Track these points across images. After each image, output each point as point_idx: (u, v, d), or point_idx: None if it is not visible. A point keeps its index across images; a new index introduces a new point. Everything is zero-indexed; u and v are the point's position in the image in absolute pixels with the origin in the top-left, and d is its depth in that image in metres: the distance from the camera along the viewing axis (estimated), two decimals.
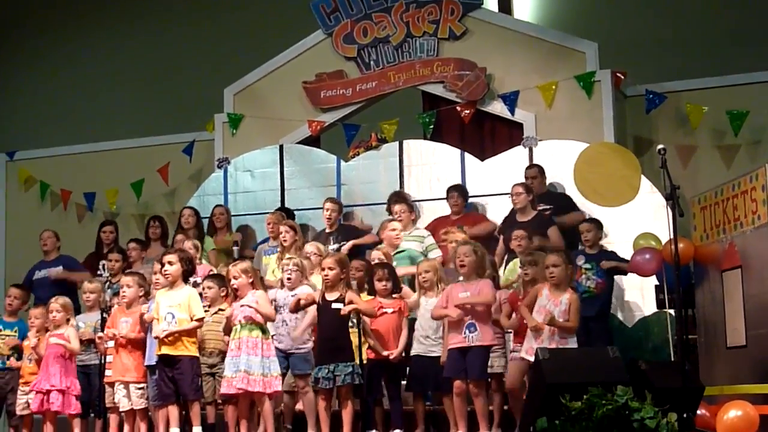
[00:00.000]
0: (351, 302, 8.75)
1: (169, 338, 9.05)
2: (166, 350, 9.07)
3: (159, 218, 12.91)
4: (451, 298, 8.92)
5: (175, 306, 9.13)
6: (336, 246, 11.50)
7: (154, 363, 9.27)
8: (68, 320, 10.14)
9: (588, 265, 10.37)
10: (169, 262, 9.29)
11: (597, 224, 10.79)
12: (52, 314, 10.08)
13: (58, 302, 10.17)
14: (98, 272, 12.34)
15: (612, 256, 10.71)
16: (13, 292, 11.28)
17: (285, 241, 10.99)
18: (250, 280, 9.08)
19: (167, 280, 9.33)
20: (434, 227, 11.80)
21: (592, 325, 9.86)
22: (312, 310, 9.10)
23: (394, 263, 10.54)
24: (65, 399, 9.85)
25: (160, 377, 9.17)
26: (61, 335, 9.97)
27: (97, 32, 16.90)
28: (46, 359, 9.93)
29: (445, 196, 12.12)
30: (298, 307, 9.06)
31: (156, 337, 9.21)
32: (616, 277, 10.80)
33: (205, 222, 12.75)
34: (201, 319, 9.23)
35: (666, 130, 12.67)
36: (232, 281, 9.11)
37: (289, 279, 9.50)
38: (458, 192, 11.95)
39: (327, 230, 11.98)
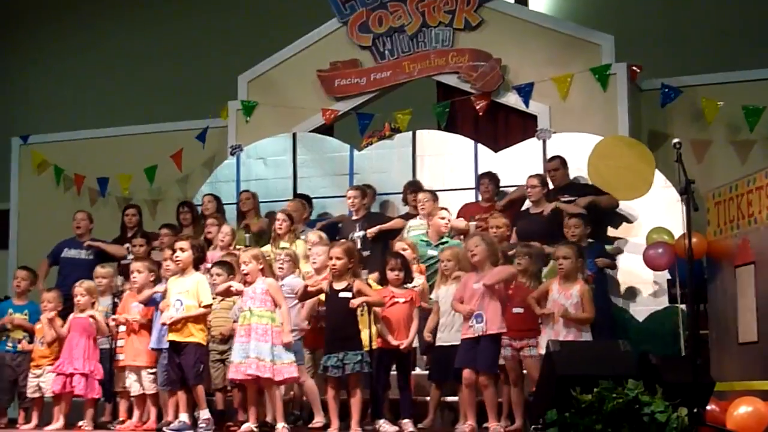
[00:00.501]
0: (360, 292, 8.73)
1: (177, 325, 9.06)
2: (173, 336, 9.08)
3: (189, 203, 12.88)
4: (467, 288, 8.92)
5: (184, 293, 9.14)
6: (361, 233, 11.47)
7: (160, 347, 9.31)
8: (93, 304, 10.17)
9: None
10: (181, 249, 9.30)
11: (584, 219, 10.67)
12: (77, 298, 10.13)
13: (82, 286, 10.21)
14: (126, 255, 12.33)
15: (600, 249, 10.67)
16: (20, 274, 11.28)
17: (280, 229, 10.97)
18: (261, 267, 9.07)
19: (178, 267, 9.33)
20: (464, 214, 11.79)
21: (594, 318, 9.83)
22: (310, 302, 9.11)
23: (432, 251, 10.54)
24: (88, 383, 9.89)
25: (168, 363, 9.20)
26: (86, 319, 9.99)
27: (113, 18, 16.93)
28: (69, 342, 9.96)
29: (457, 186, 12.11)
30: (306, 296, 9.06)
31: (163, 324, 9.24)
32: (629, 269, 10.77)
33: (229, 208, 12.76)
34: (209, 306, 9.24)
35: (681, 125, 12.61)
36: (242, 267, 9.08)
37: (280, 269, 9.54)
38: (489, 179, 11.89)
39: (354, 217, 11.95)
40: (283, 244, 10.59)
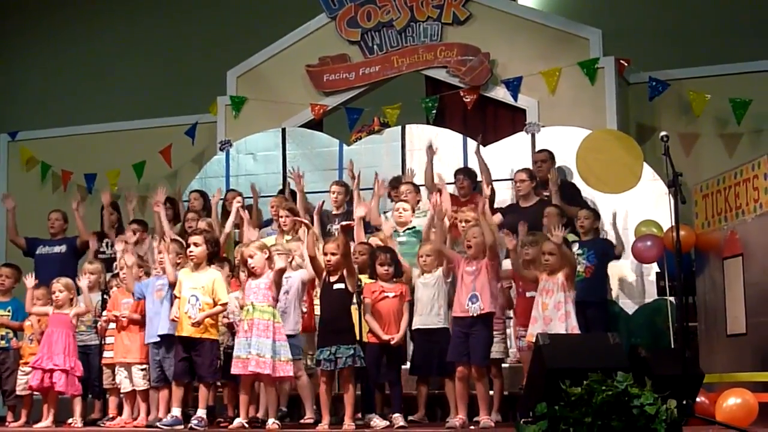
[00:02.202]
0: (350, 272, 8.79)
1: (198, 324, 9.04)
2: (188, 332, 9.06)
3: (171, 199, 12.83)
4: (461, 269, 9.03)
5: (199, 288, 9.13)
6: (338, 226, 11.50)
7: (155, 341, 9.30)
8: (71, 300, 10.15)
9: (580, 251, 10.34)
10: (195, 243, 9.25)
11: (595, 214, 10.77)
12: (55, 294, 10.09)
13: (60, 282, 10.18)
14: (101, 250, 12.33)
15: (604, 243, 10.70)
16: (4, 272, 11.26)
17: (285, 225, 10.96)
18: (266, 255, 9.04)
19: (192, 261, 9.29)
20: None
21: (590, 312, 9.86)
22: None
23: (403, 239, 10.57)
24: (68, 379, 9.87)
25: (177, 357, 9.17)
26: (65, 315, 9.98)
27: (101, 13, 16.87)
28: (48, 338, 9.94)
29: (447, 180, 12.11)
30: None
31: (173, 319, 9.24)
32: (616, 263, 10.81)
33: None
34: (225, 304, 9.23)
35: (669, 118, 12.65)
36: (249, 261, 9.02)
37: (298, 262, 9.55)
38: (464, 174, 11.90)
39: (334, 212, 11.94)
40: (287, 238, 10.55)
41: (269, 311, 8.84)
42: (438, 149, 12.01)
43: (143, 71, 16.26)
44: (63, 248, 12.36)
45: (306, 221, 9.56)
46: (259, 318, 8.80)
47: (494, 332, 9.25)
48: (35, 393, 10.18)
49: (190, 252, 9.26)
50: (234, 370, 8.87)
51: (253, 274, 9.02)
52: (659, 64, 12.93)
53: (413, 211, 11.13)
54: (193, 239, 9.32)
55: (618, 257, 10.82)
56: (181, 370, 9.18)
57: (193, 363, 9.12)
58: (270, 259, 9.02)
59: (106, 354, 10.08)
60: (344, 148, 13.20)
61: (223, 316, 9.60)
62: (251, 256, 9.01)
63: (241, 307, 9.00)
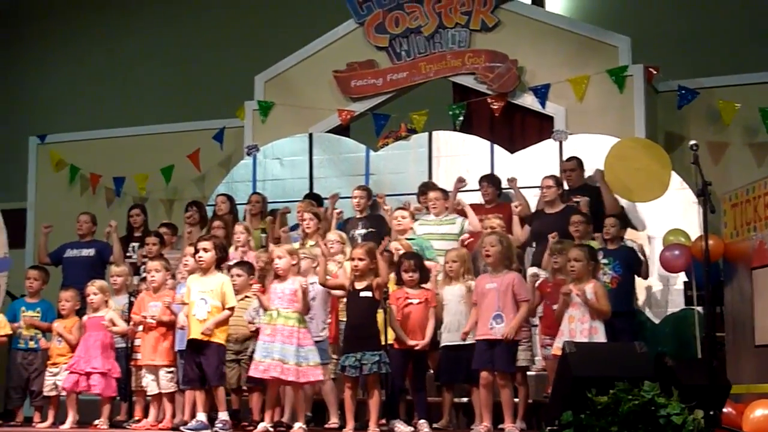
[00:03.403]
0: (378, 287, 8.75)
1: (207, 328, 9.05)
2: (195, 336, 9.09)
3: (197, 203, 12.92)
4: (480, 289, 8.94)
5: (208, 292, 9.12)
6: (362, 231, 11.49)
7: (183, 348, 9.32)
8: (106, 302, 10.19)
9: (606, 260, 10.30)
10: (204, 249, 9.27)
11: (621, 220, 10.74)
12: (89, 297, 10.13)
13: (95, 285, 10.21)
14: (128, 254, 12.38)
15: (630, 252, 10.66)
16: (32, 274, 11.31)
17: (308, 228, 10.96)
18: (294, 263, 9.06)
19: (200, 266, 9.33)
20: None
21: (616, 321, 9.80)
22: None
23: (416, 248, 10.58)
24: (107, 381, 9.92)
25: (187, 362, 9.20)
26: (101, 318, 10.01)
27: (131, 17, 16.99)
28: (86, 341, 9.97)
29: (474, 188, 12.12)
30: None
31: (180, 328, 9.27)
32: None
33: (241, 208, 12.79)
34: (233, 308, 9.24)
35: (697, 127, 12.60)
36: (276, 261, 9.03)
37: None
38: (488, 181, 11.92)
39: (357, 216, 11.97)
40: (310, 243, 10.55)
41: (294, 317, 8.83)
42: (467, 183, 11.96)
43: (172, 76, 16.35)
44: (91, 252, 12.37)
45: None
46: (284, 324, 8.79)
47: (521, 340, 9.22)
48: (61, 394, 10.21)
49: (199, 257, 9.28)
50: (252, 373, 8.88)
51: (277, 276, 9.02)
52: (688, 72, 12.89)
53: (440, 214, 11.16)
54: (202, 245, 9.34)
55: (645, 277, 10.78)
56: (190, 374, 9.19)
57: (200, 367, 9.12)
58: (296, 266, 9.02)
59: (134, 356, 10.13)
60: (371, 154, 13.22)
61: (249, 322, 9.62)
62: (279, 257, 9.01)
63: (265, 310, 9.00)
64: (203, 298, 9.10)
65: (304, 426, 8.83)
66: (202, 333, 9.03)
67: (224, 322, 9.21)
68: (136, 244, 12.47)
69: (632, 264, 10.51)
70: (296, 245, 10.56)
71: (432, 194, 11.49)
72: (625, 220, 10.98)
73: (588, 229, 10.50)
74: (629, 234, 11.08)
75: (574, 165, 11.69)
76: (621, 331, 9.71)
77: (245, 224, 11.48)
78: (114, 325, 9.96)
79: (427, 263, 9.93)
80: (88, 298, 10.17)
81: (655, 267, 10.92)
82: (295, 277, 8.99)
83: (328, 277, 9.17)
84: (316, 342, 9.14)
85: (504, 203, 11.95)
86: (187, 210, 12.73)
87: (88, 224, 12.64)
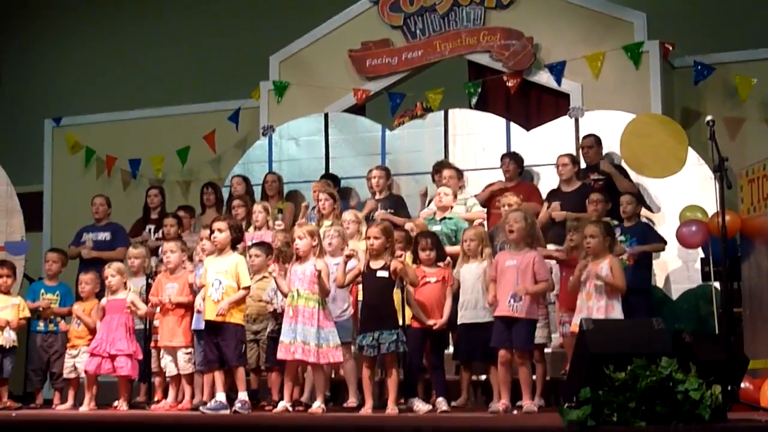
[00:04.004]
0: (395, 270, 8.74)
1: (222, 309, 9.07)
2: (212, 317, 9.11)
3: (213, 185, 12.96)
4: (500, 266, 8.91)
5: (222, 273, 9.16)
6: (382, 212, 11.46)
7: (200, 328, 9.33)
8: (125, 284, 10.23)
9: (623, 237, 10.29)
10: (219, 230, 9.30)
11: (637, 197, 10.73)
12: (108, 279, 10.17)
13: (112, 267, 10.25)
14: (144, 237, 12.41)
15: (647, 229, 10.64)
16: (51, 257, 11.37)
17: (324, 208, 10.97)
18: (314, 244, 9.06)
19: (215, 247, 9.35)
20: (489, 192, 11.77)
21: (632, 298, 9.79)
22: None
23: (437, 227, 10.57)
24: (132, 364, 9.98)
25: (206, 343, 9.23)
26: (121, 300, 10.04)
27: None
28: (108, 324, 10.02)
29: (489, 166, 12.11)
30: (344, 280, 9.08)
31: (198, 311, 9.29)
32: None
33: (257, 189, 12.81)
34: (247, 288, 9.25)
35: (714, 102, 12.55)
36: (296, 242, 9.02)
37: (329, 245, 9.55)
38: (510, 158, 11.88)
39: (376, 197, 11.95)
40: (327, 223, 10.56)
41: (314, 298, 8.85)
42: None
43: (187, 57, 16.36)
44: (107, 235, 12.42)
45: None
46: (304, 305, 8.81)
47: (538, 318, 9.20)
48: (81, 376, 10.26)
49: (214, 238, 9.30)
50: (280, 356, 8.88)
51: (298, 257, 9.04)
52: (704, 47, 12.84)
53: (455, 197, 11.13)
54: (217, 225, 9.36)
55: (661, 249, 10.76)
56: (209, 355, 9.22)
57: (219, 348, 9.15)
58: (317, 248, 9.04)
59: (153, 338, 10.18)
60: (387, 133, 13.21)
61: (267, 302, 9.65)
62: (300, 237, 9.01)
63: (285, 295, 9.02)
64: (218, 279, 9.13)
65: (323, 405, 8.85)
66: (217, 314, 9.05)
67: (240, 302, 9.23)
68: (152, 227, 12.51)
69: (649, 240, 10.49)
70: (312, 224, 10.59)
71: (446, 172, 11.48)
72: (641, 199, 10.95)
73: (607, 207, 10.49)
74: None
75: (591, 142, 11.67)
76: (637, 308, 9.71)
77: (264, 204, 11.50)
78: (136, 307, 9.99)
79: (450, 249, 9.96)
80: (106, 280, 10.20)
81: (672, 243, 10.89)
82: (316, 259, 9.00)
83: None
84: (339, 321, 9.19)
85: (525, 182, 11.93)
86: (203, 192, 12.76)
87: (104, 207, 12.68)
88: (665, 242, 10.65)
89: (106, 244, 12.26)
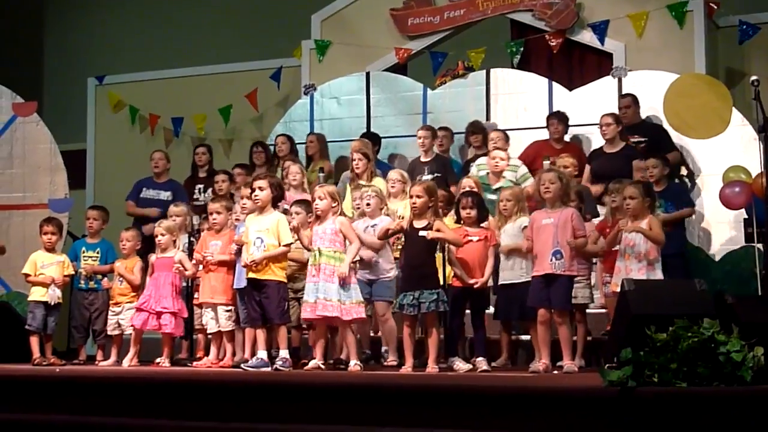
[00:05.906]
0: (439, 230, 8.73)
1: (259, 265, 9.12)
2: (253, 275, 9.16)
3: (263, 144, 12.95)
4: (536, 225, 8.86)
5: (264, 231, 9.18)
6: (429, 177, 11.27)
7: (243, 286, 9.37)
8: (174, 242, 10.29)
9: (657, 202, 10.22)
10: (260, 188, 9.32)
11: (663, 160, 10.63)
12: (158, 238, 10.22)
13: (162, 226, 10.28)
14: (194, 196, 12.44)
15: (680, 191, 10.57)
16: (92, 214, 11.28)
17: (357, 168, 10.95)
18: (334, 205, 9.11)
19: (257, 205, 9.38)
20: (535, 151, 11.73)
21: (669, 261, 9.73)
22: (355, 245, 9.06)
23: (493, 197, 10.52)
24: (177, 321, 10.07)
25: (248, 301, 9.27)
26: (170, 259, 10.12)
27: None
28: (155, 281, 10.09)
29: (531, 125, 12.06)
30: (385, 236, 9.09)
31: (244, 266, 9.31)
32: (706, 207, 10.71)
33: (301, 148, 12.83)
34: (289, 245, 9.28)
35: (759, 62, 12.44)
36: (316, 202, 9.12)
37: (368, 205, 9.55)
38: (558, 119, 11.82)
39: (422, 159, 11.90)
40: (361, 182, 10.56)
41: (335, 256, 8.92)
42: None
43: (229, 15, 16.35)
44: (168, 195, 12.41)
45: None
46: (326, 263, 8.88)
47: (579, 278, 9.18)
48: (125, 333, 10.35)
49: (255, 196, 9.32)
50: (304, 315, 9.00)
51: (317, 217, 9.11)
52: (749, 7, 12.72)
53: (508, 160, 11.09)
54: (258, 183, 9.37)
55: (689, 214, 10.71)
56: (252, 313, 9.27)
57: (263, 306, 9.19)
58: (337, 209, 9.10)
59: (195, 295, 10.25)
60: (428, 93, 13.18)
61: (307, 260, 9.68)
62: (320, 198, 9.09)
63: (308, 249, 9.08)
64: (260, 237, 9.16)
65: (360, 364, 8.89)
66: (252, 262, 9.09)
67: (281, 259, 9.26)
68: (201, 186, 12.53)
69: (684, 199, 10.45)
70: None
71: (494, 134, 11.44)
72: (666, 162, 10.81)
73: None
74: None
75: (629, 102, 11.61)
76: (673, 270, 9.65)
77: (300, 165, 11.50)
78: (184, 267, 10.05)
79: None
80: (156, 239, 10.24)
81: (715, 204, 10.83)
82: (336, 217, 9.05)
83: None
84: (385, 280, 9.22)
85: (572, 143, 11.89)
86: (253, 151, 12.75)
87: (163, 161, 12.70)
88: (694, 205, 10.60)
89: (167, 204, 12.23)
